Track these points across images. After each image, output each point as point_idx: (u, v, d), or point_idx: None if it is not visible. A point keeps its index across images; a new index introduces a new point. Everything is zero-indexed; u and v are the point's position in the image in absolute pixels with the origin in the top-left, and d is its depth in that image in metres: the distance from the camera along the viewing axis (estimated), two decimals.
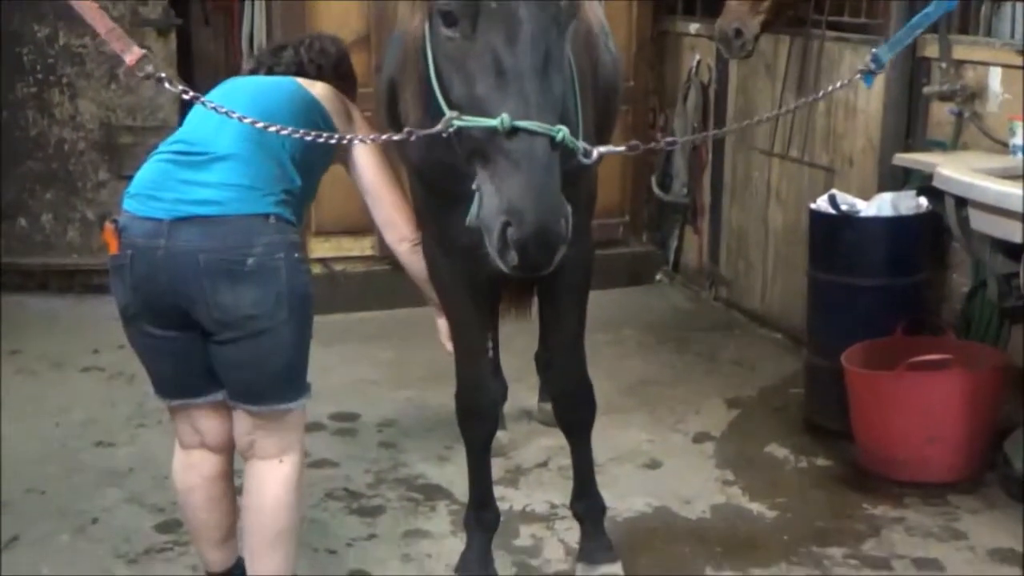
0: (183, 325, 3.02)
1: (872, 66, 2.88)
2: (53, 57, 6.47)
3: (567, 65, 2.72)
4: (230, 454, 3.27)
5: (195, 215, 2.95)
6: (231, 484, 3.30)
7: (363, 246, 6.42)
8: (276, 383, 3.07)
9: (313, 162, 3.25)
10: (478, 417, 3.59)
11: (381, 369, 5.50)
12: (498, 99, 2.46)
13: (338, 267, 6.54)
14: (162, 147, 3.16)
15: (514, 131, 2.42)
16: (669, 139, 3.15)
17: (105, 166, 6.54)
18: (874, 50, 2.90)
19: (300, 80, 3.38)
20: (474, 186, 2.59)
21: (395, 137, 2.76)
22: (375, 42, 6.24)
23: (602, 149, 2.69)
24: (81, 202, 6.59)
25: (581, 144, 2.58)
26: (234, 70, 6.57)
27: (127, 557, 3.85)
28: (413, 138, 2.68)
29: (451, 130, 2.54)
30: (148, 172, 3.11)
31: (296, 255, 3.04)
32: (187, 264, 2.93)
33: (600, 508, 3.74)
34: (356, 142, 3.22)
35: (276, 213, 3.02)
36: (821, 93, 3.87)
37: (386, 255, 6.34)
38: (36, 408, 5.03)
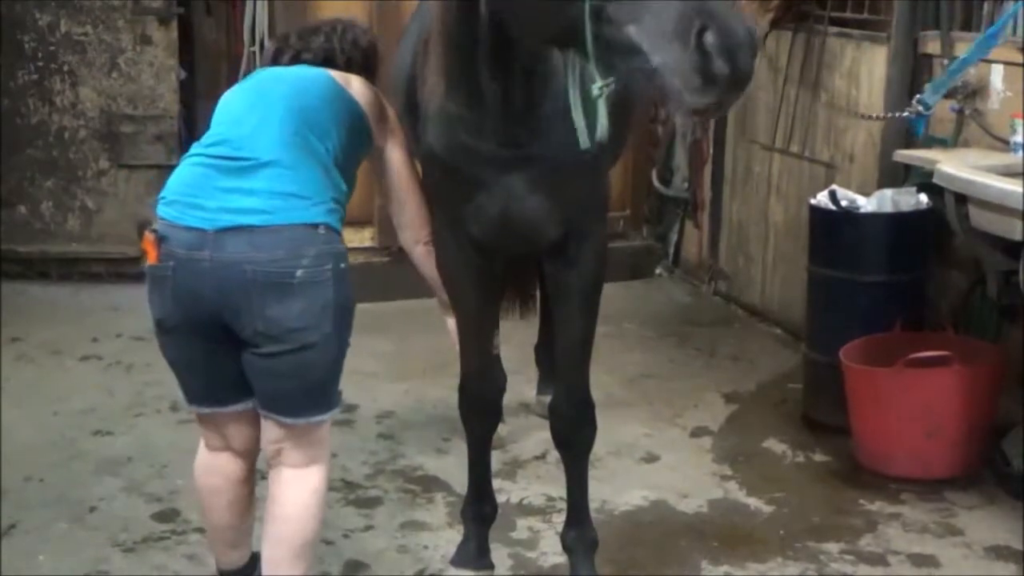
0: (221, 337, 2.94)
1: (921, 109, 2.85)
2: (54, 45, 6.46)
3: None
4: (254, 458, 3.25)
5: (242, 225, 2.86)
6: (252, 488, 3.28)
7: (362, 237, 6.42)
8: (312, 396, 3.01)
9: (351, 162, 3.22)
10: (482, 410, 3.56)
11: (380, 361, 5.50)
12: None
13: None
14: (197, 148, 3.07)
15: None
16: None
17: (105, 154, 6.53)
18: (919, 95, 2.88)
19: (334, 74, 3.26)
20: (595, 89, 2.34)
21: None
22: (377, 33, 6.25)
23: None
24: (81, 190, 6.59)
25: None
26: (236, 60, 6.57)
27: (124, 546, 3.86)
28: None
29: None
30: (185, 176, 3.00)
31: (342, 266, 2.96)
32: (234, 276, 2.85)
33: (591, 541, 3.55)
34: (387, 145, 3.26)
35: (325, 223, 2.94)
36: (877, 115, 3.59)
37: (385, 247, 6.36)
38: (35, 396, 5.03)
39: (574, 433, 3.48)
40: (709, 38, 2.13)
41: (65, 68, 6.49)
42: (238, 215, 2.88)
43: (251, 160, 2.95)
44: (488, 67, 2.82)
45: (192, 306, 2.93)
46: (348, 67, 3.40)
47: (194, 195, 2.94)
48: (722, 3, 2.19)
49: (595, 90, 2.36)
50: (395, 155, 3.37)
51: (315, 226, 2.92)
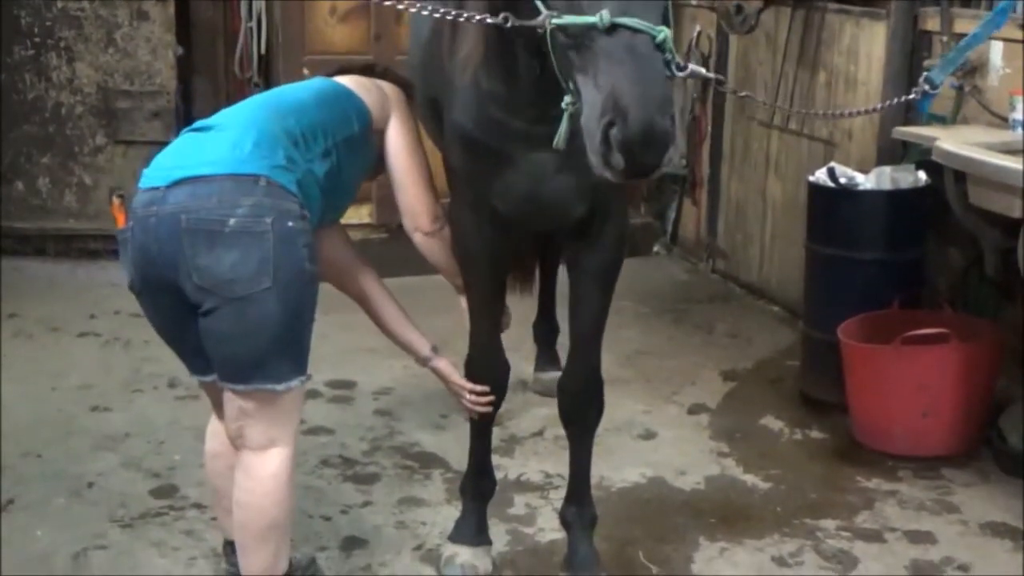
0: (177, 301, 2.93)
1: (927, 88, 2.86)
2: (51, 20, 6.44)
3: None
4: None
5: (187, 177, 2.89)
6: None
7: (361, 214, 6.42)
8: (260, 358, 2.91)
9: (353, 156, 3.21)
10: (489, 386, 3.52)
11: (378, 337, 5.45)
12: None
13: None
14: (185, 129, 3.17)
15: (614, 28, 2.34)
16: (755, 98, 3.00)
17: (102, 131, 6.51)
18: (926, 73, 2.87)
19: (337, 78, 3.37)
20: (564, 104, 2.52)
21: (489, 20, 2.62)
22: (374, 10, 6.26)
23: (694, 67, 2.55)
24: (78, 166, 6.57)
25: (677, 57, 2.44)
26: (232, 36, 6.56)
27: (122, 521, 3.86)
28: (509, 24, 2.55)
29: (549, 27, 2.45)
30: (162, 151, 3.08)
31: (290, 223, 2.88)
32: (172, 226, 2.84)
33: (591, 518, 3.55)
34: (393, 127, 3.27)
35: (268, 176, 2.90)
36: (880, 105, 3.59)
37: (383, 223, 6.36)
38: (33, 372, 5.03)
39: (582, 411, 3.47)
40: (614, 132, 2.30)
41: (62, 44, 6.47)
42: (187, 169, 2.91)
43: (216, 128, 3.03)
44: (525, 43, 2.77)
45: (146, 266, 2.94)
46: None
47: (160, 164, 3.01)
48: (648, 92, 2.32)
49: (564, 103, 2.55)
50: (395, 139, 3.37)
51: (255, 177, 2.88)
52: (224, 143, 2.97)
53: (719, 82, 2.84)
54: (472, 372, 3.54)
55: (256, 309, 2.85)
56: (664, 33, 2.37)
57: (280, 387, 2.94)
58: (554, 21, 2.46)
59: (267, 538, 3.05)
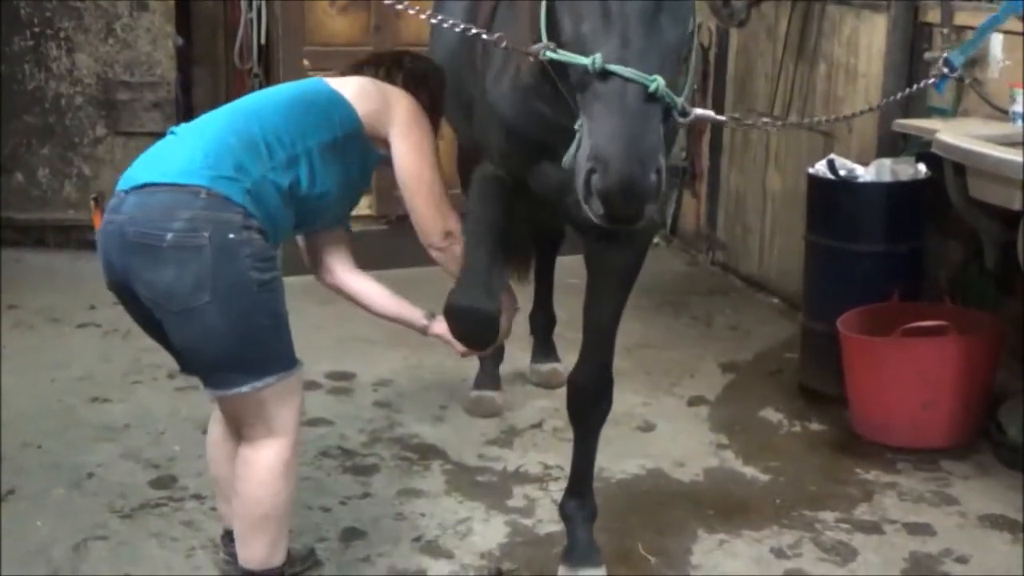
0: (144, 305, 2.96)
1: (945, 70, 2.85)
2: (51, 11, 6.42)
3: (689, 15, 2.56)
4: None
5: (141, 184, 2.91)
6: None
7: (360, 205, 6.40)
8: (214, 367, 2.94)
9: (339, 160, 3.14)
10: (475, 320, 3.26)
11: (377, 328, 5.46)
12: (597, 39, 2.36)
13: None
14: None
15: (605, 74, 2.32)
16: (765, 119, 2.99)
17: (102, 121, 6.51)
18: (946, 55, 2.87)
19: (333, 79, 3.24)
20: (576, 125, 2.50)
21: (484, 36, 2.62)
22: (374, 1, 6.28)
23: (699, 111, 2.54)
24: (78, 157, 6.56)
25: (680, 100, 2.42)
26: (232, 27, 6.54)
27: (122, 512, 3.86)
28: (503, 45, 2.56)
29: (542, 58, 2.46)
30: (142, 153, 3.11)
31: (231, 236, 2.85)
32: (120, 236, 2.89)
33: (591, 511, 3.55)
34: (395, 137, 3.18)
35: (209, 188, 2.87)
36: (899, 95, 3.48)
37: (383, 215, 6.36)
38: (33, 363, 5.03)
39: (590, 406, 3.47)
40: (595, 180, 2.31)
41: (61, 34, 6.46)
42: (144, 174, 2.94)
43: (180, 133, 3.04)
44: None
45: (110, 272, 2.99)
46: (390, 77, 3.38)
47: (134, 164, 3.04)
48: (631, 147, 2.30)
49: (576, 124, 2.51)
50: (400, 154, 3.24)
51: (196, 188, 2.87)
52: (181, 152, 2.97)
53: (735, 119, 2.83)
54: (454, 311, 3.29)
55: (198, 322, 2.88)
56: (657, 83, 2.33)
57: (247, 389, 2.95)
58: (548, 55, 2.46)
59: (262, 528, 3.07)
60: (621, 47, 2.34)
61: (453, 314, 3.27)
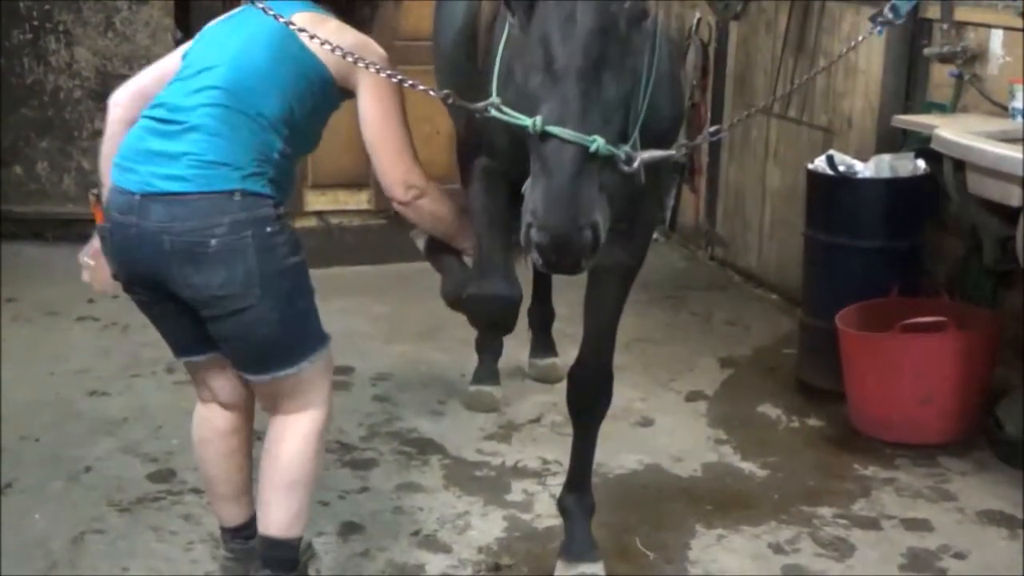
0: (162, 295, 2.99)
1: (890, 15, 2.81)
2: (49, 4, 6.42)
3: (635, 68, 2.53)
4: (244, 411, 3.26)
5: (162, 192, 2.89)
6: (245, 441, 3.29)
7: (359, 200, 6.43)
8: (267, 355, 3.01)
9: (316, 112, 3.13)
10: (493, 310, 3.20)
11: (376, 323, 5.51)
12: (539, 98, 2.37)
13: (334, 221, 6.53)
14: (147, 110, 3.08)
15: (546, 135, 2.33)
16: (713, 129, 2.97)
17: (101, 115, 6.39)
18: (892, 1, 2.82)
19: (303, 19, 2.99)
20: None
21: (432, 93, 2.63)
22: None
23: (645, 155, 2.51)
24: (77, 151, 6.57)
25: (622, 150, 2.43)
26: None
27: (120, 505, 3.86)
28: (450, 101, 2.58)
29: (487, 115, 2.48)
30: (129, 139, 3.04)
31: (268, 229, 2.91)
32: (156, 246, 2.89)
33: (589, 506, 3.56)
34: (363, 93, 3.09)
35: (243, 189, 2.90)
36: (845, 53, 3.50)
37: (382, 209, 6.36)
38: (31, 356, 5.03)
39: (590, 402, 3.47)
40: (532, 233, 2.35)
41: (60, 28, 6.46)
42: (160, 181, 2.90)
43: (179, 124, 2.96)
44: None
45: (130, 267, 3.00)
46: (349, 3, 3.27)
47: (130, 158, 2.98)
48: (565, 209, 2.32)
49: None
50: (365, 102, 3.14)
51: (230, 193, 2.89)
52: (191, 151, 2.91)
53: (682, 147, 2.77)
54: (471, 300, 3.23)
55: (252, 316, 2.92)
56: (597, 144, 2.32)
57: (294, 370, 3.03)
58: (493, 112, 2.47)
59: (288, 494, 3.09)
60: (561, 108, 2.34)
61: (474, 303, 3.24)
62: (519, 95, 2.46)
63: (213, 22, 3.29)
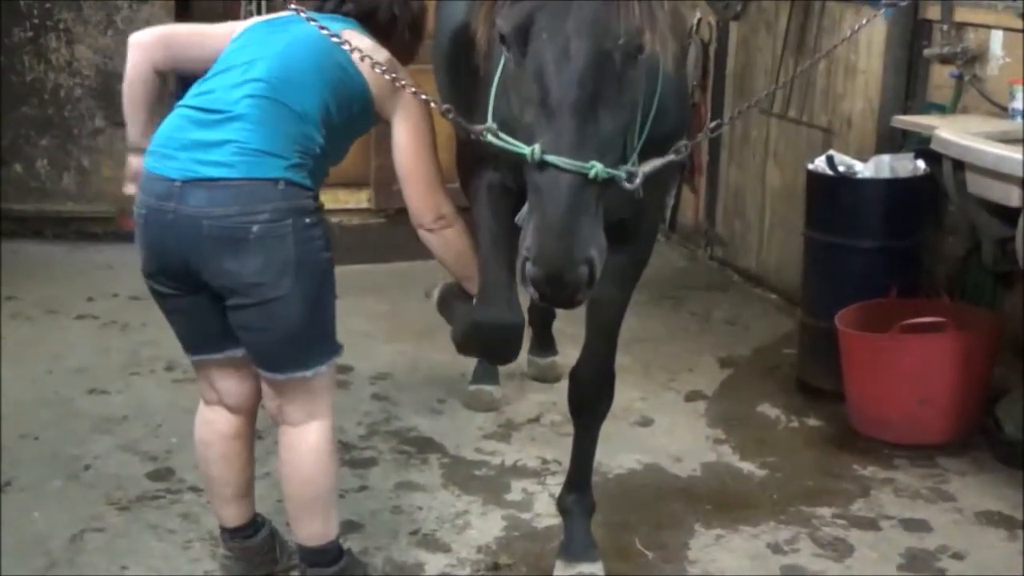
0: (196, 285, 2.99)
1: None
2: (50, 2, 6.42)
3: (633, 97, 2.52)
4: (249, 415, 3.27)
5: (204, 177, 2.90)
6: (248, 444, 3.30)
7: (359, 199, 6.43)
8: (290, 351, 3.02)
9: (351, 124, 3.15)
10: (499, 339, 3.22)
11: (375, 322, 5.51)
12: (536, 128, 2.36)
13: (334, 219, 6.51)
14: (187, 97, 3.10)
15: (544, 164, 2.32)
16: (714, 124, 2.98)
17: (101, 113, 6.51)
18: None
19: (348, 36, 2.96)
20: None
21: (434, 104, 2.66)
22: None
23: (646, 168, 2.52)
24: (77, 149, 6.57)
25: (622, 170, 2.42)
26: (233, 18, 6.50)
27: (119, 504, 3.86)
28: (450, 116, 2.59)
29: (483, 139, 2.48)
30: (168, 126, 3.05)
31: (307, 220, 2.95)
32: (193, 229, 2.89)
33: (589, 506, 3.57)
34: (399, 121, 3.14)
35: (286, 178, 2.93)
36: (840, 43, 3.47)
37: (382, 208, 6.36)
38: (30, 354, 5.03)
39: (592, 401, 3.47)
40: (528, 268, 2.36)
41: (61, 26, 6.46)
42: (203, 167, 2.92)
43: (221, 113, 2.98)
44: None
45: (162, 255, 2.99)
46: (391, 26, 3.28)
47: (169, 145, 2.99)
48: (561, 243, 2.32)
49: None
50: (400, 131, 3.20)
51: (275, 181, 2.91)
52: (235, 138, 2.93)
53: (676, 152, 2.75)
54: (477, 328, 3.24)
55: (281, 307, 2.95)
56: (596, 169, 2.32)
57: (309, 373, 3.05)
58: (489, 138, 2.47)
59: (315, 507, 3.16)
60: (558, 138, 2.33)
61: (478, 331, 3.25)
62: (516, 123, 2.47)
63: (251, 21, 3.32)
